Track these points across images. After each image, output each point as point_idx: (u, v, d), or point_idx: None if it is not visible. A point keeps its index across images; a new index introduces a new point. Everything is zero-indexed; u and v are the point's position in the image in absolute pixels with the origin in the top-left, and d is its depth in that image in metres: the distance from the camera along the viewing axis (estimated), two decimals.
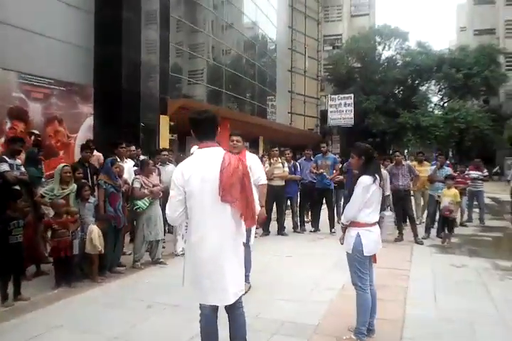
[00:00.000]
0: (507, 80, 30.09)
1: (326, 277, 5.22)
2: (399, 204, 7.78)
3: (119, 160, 5.88)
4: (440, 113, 29.59)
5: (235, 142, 4.81)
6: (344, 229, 3.46)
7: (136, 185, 5.50)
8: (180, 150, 13.00)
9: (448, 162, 10.03)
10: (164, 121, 11.03)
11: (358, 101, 28.44)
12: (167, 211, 2.71)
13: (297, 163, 8.65)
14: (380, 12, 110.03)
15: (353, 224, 3.35)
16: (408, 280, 5.15)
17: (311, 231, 8.48)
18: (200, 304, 2.72)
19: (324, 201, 8.58)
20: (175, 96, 13.23)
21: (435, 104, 33.00)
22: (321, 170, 8.28)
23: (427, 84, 32.27)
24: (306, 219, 8.95)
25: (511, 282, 5.19)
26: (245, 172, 2.65)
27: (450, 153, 30.92)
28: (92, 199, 5.10)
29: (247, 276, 4.60)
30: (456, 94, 30.38)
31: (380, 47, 32.91)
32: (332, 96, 28.65)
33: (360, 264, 3.34)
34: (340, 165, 8.51)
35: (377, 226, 3.43)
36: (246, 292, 4.55)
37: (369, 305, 3.34)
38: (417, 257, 6.42)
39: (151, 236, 5.57)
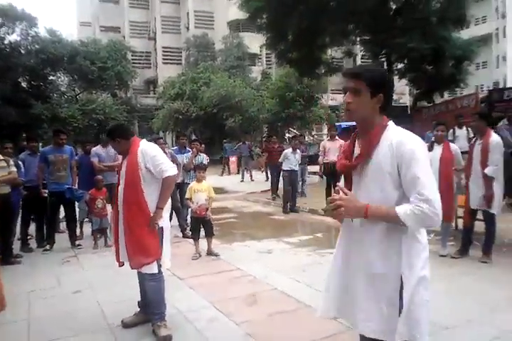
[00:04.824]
0: (136, 76, 32.78)
1: None
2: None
3: None
4: (77, 105, 29.16)
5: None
6: None
7: None
8: None
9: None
10: None
11: None
12: None
13: (19, 161, 6.52)
14: None
15: None
16: None
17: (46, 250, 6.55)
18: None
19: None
20: None
21: (69, 96, 32.30)
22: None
23: (59, 74, 31.10)
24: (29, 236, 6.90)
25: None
26: None
27: None
28: None
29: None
30: (91, 87, 30.67)
31: (3, 30, 29.24)
32: None
33: None
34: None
35: None
36: None
37: None
38: None
39: None
